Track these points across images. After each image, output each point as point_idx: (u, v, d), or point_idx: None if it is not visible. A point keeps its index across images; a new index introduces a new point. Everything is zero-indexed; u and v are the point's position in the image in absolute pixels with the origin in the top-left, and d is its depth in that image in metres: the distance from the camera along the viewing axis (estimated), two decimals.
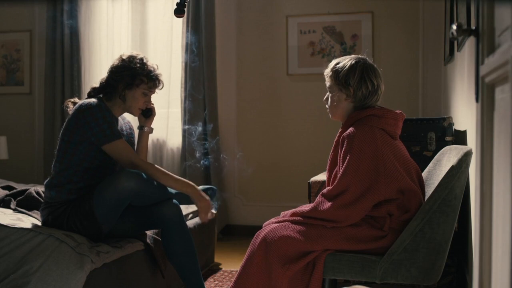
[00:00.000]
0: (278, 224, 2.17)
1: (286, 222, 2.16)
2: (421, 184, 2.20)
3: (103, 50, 4.86)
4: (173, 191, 2.59)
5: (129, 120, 2.83)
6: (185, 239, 2.55)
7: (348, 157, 2.08)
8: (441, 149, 2.38)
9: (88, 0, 4.83)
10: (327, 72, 2.25)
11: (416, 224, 2.00)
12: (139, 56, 2.59)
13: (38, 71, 5.13)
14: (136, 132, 2.79)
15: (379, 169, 2.06)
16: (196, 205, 2.55)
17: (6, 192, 3.06)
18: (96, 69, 4.87)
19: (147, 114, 2.72)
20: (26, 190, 2.97)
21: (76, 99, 2.67)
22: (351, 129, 2.13)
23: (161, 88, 2.67)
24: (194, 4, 4.54)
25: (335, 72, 2.21)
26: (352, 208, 2.05)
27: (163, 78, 2.66)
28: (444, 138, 2.77)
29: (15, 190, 3.03)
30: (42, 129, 5.02)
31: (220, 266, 3.67)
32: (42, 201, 2.81)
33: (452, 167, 1.97)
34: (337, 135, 2.24)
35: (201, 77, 4.56)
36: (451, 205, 1.99)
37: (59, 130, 4.90)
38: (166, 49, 4.73)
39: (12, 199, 2.87)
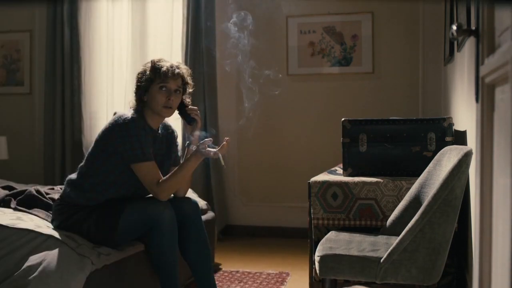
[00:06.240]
0: None
1: None
2: None
3: (103, 50, 4.85)
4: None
5: (174, 129, 2.73)
6: (201, 237, 2.58)
7: None
8: (441, 149, 2.38)
9: (88, 0, 4.83)
10: None
11: (417, 224, 2.00)
12: (148, 61, 2.56)
13: (38, 71, 5.13)
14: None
15: None
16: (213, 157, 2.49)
17: (6, 192, 3.06)
18: (96, 69, 4.86)
19: (190, 120, 2.58)
20: (26, 190, 2.97)
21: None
22: None
23: (181, 78, 2.53)
24: (194, 5, 4.55)
25: None
26: None
27: (180, 69, 2.53)
28: (444, 138, 2.77)
29: (15, 190, 3.02)
30: (42, 129, 5.02)
31: (220, 266, 3.67)
32: (43, 199, 2.82)
33: (453, 168, 1.97)
34: None
35: (201, 77, 4.56)
36: (451, 205, 1.99)
37: (59, 130, 4.93)
38: (166, 49, 4.73)
39: (12, 199, 2.87)
